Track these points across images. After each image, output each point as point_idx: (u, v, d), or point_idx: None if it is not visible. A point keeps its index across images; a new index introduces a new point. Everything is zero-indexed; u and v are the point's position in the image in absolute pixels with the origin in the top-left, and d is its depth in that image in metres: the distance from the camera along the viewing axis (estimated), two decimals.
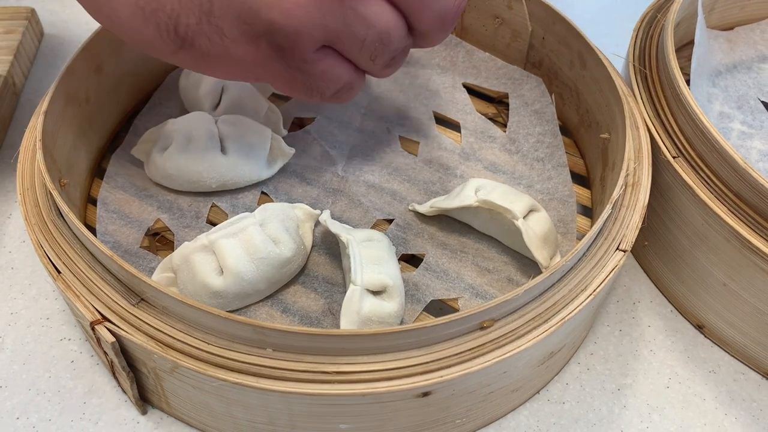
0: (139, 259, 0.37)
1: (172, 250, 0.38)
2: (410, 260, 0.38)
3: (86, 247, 0.32)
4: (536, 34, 0.43)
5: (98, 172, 0.41)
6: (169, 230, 0.38)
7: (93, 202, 0.40)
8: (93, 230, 0.38)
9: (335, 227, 0.35)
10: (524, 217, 0.36)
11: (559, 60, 0.43)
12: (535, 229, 0.36)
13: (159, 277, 0.35)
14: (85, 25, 0.55)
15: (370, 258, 0.34)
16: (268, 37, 0.30)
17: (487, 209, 0.36)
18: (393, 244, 0.37)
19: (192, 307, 0.28)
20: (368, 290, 0.33)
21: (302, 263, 0.36)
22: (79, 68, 0.38)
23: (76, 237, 0.32)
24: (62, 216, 0.33)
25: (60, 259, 0.31)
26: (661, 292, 0.40)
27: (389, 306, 0.33)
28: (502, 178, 0.41)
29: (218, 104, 0.42)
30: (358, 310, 0.32)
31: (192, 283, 0.34)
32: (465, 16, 0.46)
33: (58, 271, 0.31)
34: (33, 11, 0.53)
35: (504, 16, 0.44)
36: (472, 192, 0.37)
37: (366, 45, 0.32)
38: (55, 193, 0.31)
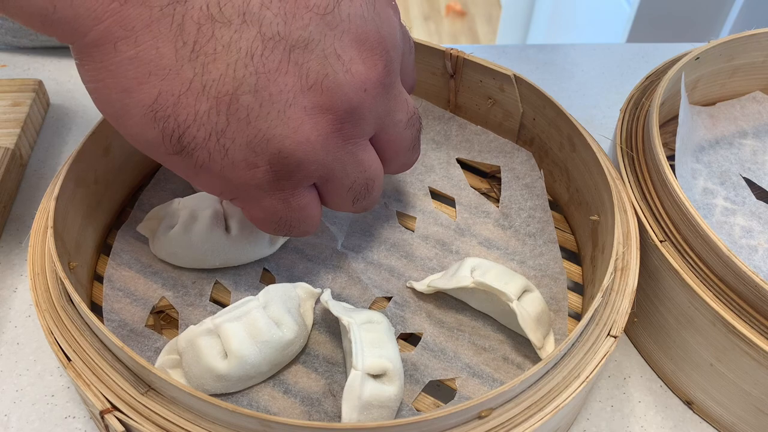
0: (145, 338, 0.38)
1: (177, 328, 0.39)
2: (408, 338, 0.39)
3: (96, 335, 0.33)
4: (527, 115, 0.45)
5: (104, 248, 0.43)
6: (174, 308, 0.40)
7: (99, 278, 0.41)
8: (99, 308, 0.39)
9: (336, 310, 0.36)
10: (518, 298, 0.37)
11: (549, 140, 0.45)
12: (528, 310, 0.37)
13: (164, 359, 0.36)
14: None
15: (371, 341, 0.35)
16: (270, 164, 0.31)
17: (483, 290, 0.38)
18: (392, 323, 0.38)
19: (199, 399, 0.29)
20: (369, 374, 0.34)
21: (303, 343, 0.37)
22: (88, 151, 0.40)
23: (86, 323, 0.33)
24: (72, 302, 0.34)
25: (70, 347, 0.32)
26: (650, 367, 0.41)
27: (389, 390, 0.34)
28: (496, 254, 0.43)
29: None
30: (359, 396, 0.33)
31: (197, 365, 0.35)
32: (459, 95, 0.48)
33: (69, 359, 0.32)
34: (40, 83, 0.54)
35: (496, 97, 0.46)
36: (468, 272, 0.38)
37: (353, 188, 0.34)
38: (66, 282, 0.33)
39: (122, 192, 0.44)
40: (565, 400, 0.31)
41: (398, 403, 0.34)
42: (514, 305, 0.36)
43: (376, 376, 0.34)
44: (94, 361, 0.32)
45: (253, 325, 0.35)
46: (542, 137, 0.45)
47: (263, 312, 0.36)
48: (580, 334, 0.33)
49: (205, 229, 0.40)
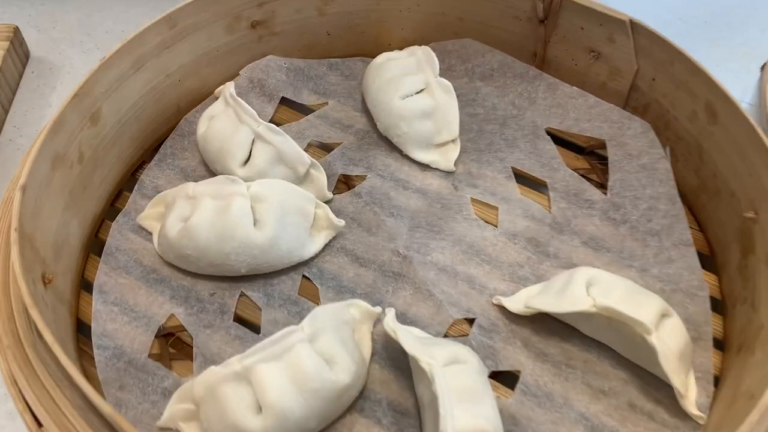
0: (148, 375, 0.29)
1: (191, 359, 0.29)
2: (499, 374, 0.29)
3: (80, 389, 0.23)
4: (644, 75, 0.35)
5: (95, 246, 0.33)
6: (186, 330, 0.30)
7: (88, 287, 0.31)
8: (88, 328, 0.30)
9: (408, 343, 0.27)
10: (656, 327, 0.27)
11: (674, 108, 0.34)
12: (670, 344, 0.27)
13: (175, 409, 0.27)
14: (80, 45, 0.47)
15: (460, 392, 0.25)
16: None
17: (606, 316, 0.28)
18: (478, 355, 0.29)
19: None
20: None
21: (362, 385, 0.28)
22: (70, 120, 0.30)
23: (65, 372, 0.23)
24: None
25: (41, 405, 0.23)
26: None
27: None
28: (607, 258, 0.33)
29: (248, 159, 0.34)
30: None
31: (220, 422, 0.26)
32: (549, 47, 0.37)
33: (40, 425, 0.22)
34: (16, 30, 0.44)
35: (602, 49, 0.36)
36: (583, 289, 0.29)
37: None
38: (34, 314, 0.23)
39: (116, 172, 0.35)
40: None
41: None
42: (653, 340, 0.27)
43: None
44: (73, 424, 0.23)
45: (298, 367, 0.26)
46: (663, 103, 0.35)
47: (310, 348, 0.26)
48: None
49: (227, 224, 0.30)
